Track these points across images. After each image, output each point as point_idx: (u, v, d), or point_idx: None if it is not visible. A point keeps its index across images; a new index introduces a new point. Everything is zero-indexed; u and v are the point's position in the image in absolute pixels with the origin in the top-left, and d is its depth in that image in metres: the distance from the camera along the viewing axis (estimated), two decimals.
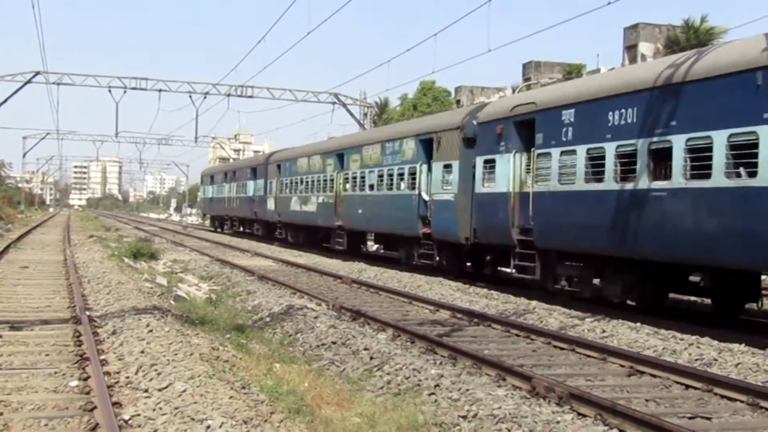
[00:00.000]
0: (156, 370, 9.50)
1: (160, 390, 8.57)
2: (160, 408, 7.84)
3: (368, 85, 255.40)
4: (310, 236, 38.87)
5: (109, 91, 52.96)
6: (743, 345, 12.68)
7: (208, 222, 73.01)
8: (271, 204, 43.89)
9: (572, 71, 53.43)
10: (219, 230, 60.76)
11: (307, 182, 37.59)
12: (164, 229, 65.29)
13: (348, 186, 32.02)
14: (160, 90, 53.72)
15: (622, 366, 11.29)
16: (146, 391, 8.59)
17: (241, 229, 54.52)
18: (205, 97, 54.12)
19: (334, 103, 56.26)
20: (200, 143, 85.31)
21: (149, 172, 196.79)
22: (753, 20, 69.72)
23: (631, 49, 50.79)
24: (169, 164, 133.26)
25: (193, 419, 7.43)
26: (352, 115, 57.49)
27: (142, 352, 10.62)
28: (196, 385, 8.71)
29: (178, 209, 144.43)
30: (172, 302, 17.76)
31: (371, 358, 11.76)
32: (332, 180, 33.81)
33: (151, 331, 12.26)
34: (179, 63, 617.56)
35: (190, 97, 54.23)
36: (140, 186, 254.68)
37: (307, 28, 31.81)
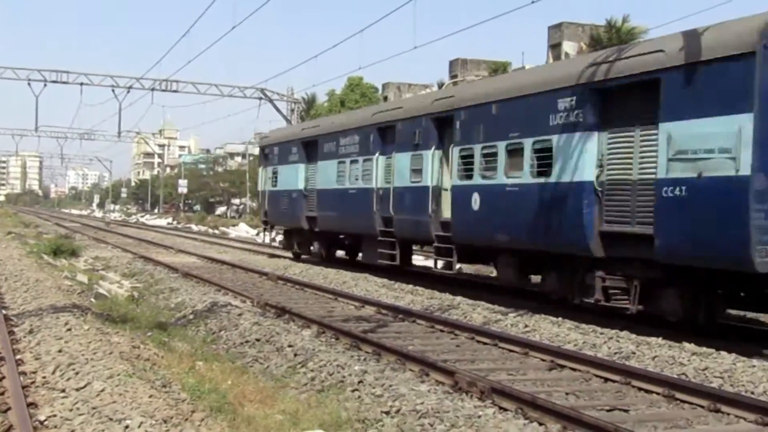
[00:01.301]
0: (74, 369, 9.31)
1: (77, 390, 8.42)
2: (78, 408, 7.70)
3: (295, 81, 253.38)
4: None
5: (29, 84, 51.55)
6: (660, 338, 12.98)
7: (269, 235, 32.15)
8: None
9: (498, 69, 53.98)
10: (321, 259, 27.42)
11: None
12: (86, 226, 64.02)
13: None
14: (81, 83, 52.48)
15: (543, 360, 11.49)
16: (63, 391, 8.43)
17: (458, 267, 21.77)
18: (128, 92, 52.88)
19: (260, 98, 55.73)
20: (124, 138, 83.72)
21: (71, 168, 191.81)
22: (672, 21, 71.66)
23: (555, 48, 51.58)
24: (92, 159, 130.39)
25: (111, 419, 7.30)
26: (278, 110, 57.09)
27: (60, 351, 10.40)
28: (115, 385, 8.56)
29: (101, 205, 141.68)
30: (92, 300, 17.42)
31: (295, 355, 11.73)
32: None
33: (69, 329, 12.00)
34: (102, 56, 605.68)
35: (113, 91, 52.98)
36: (62, 182, 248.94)
37: (232, 23, 31.35)
